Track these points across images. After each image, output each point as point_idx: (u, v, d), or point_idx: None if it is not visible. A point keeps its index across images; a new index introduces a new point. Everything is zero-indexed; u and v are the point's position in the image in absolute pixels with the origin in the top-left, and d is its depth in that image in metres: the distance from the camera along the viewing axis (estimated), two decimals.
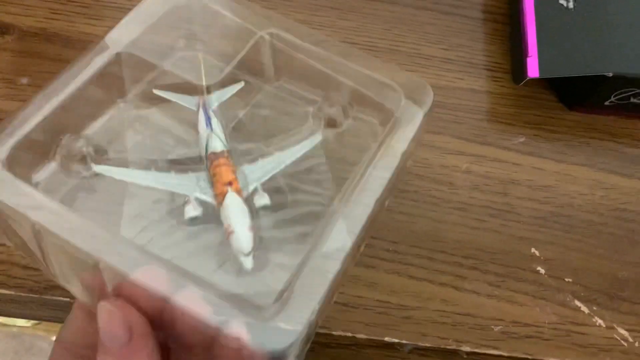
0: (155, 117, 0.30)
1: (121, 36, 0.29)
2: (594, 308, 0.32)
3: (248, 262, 0.25)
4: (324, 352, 0.32)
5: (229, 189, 0.26)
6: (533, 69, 0.34)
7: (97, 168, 0.27)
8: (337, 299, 0.31)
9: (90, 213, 0.26)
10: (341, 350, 0.31)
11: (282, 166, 0.29)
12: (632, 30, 0.34)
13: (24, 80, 0.35)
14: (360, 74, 0.31)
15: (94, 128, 0.29)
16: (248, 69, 0.31)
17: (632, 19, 0.34)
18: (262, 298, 0.23)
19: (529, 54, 0.34)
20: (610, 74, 0.33)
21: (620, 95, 0.35)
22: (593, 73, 0.33)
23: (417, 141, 0.29)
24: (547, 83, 0.38)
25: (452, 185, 0.34)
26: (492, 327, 0.31)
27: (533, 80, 0.35)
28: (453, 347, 0.31)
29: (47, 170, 0.27)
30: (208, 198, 0.27)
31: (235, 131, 0.31)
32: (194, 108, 0.30)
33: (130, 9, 0.33)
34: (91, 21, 0.38)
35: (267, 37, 0.31)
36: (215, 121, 0.29)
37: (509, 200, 0.34)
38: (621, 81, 0.33)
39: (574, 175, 0.35)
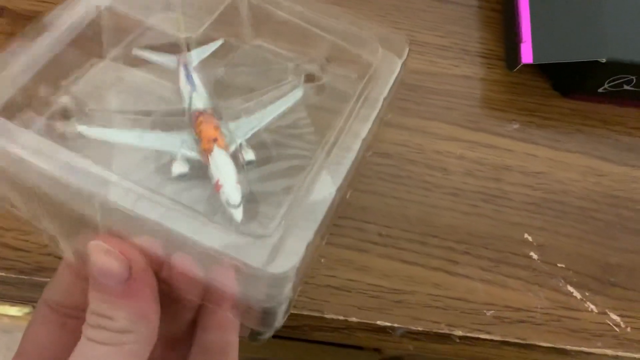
0: (136, 77, 0.30)
1: None
2: (586, 293, 0.32)
3: (238, 214, 0.26)
4: (316, 335, 0.31)
5: (215, 145, 0.27)
6: (527, 55, 0.34)
7: (81, 129, 0.27)
8: (329, 282, 0.31)
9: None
10: (333, 334, 0.31)
11: (266, 122, 0.29)
12: (626, 16, 0.34)
13: None
14: (337, 28, 0.31)
15: (72, 83, 0.29)
16: (226, 29, 0.31)
17: (625, 5, 0.34)
18: (254, 248, 0.23)
19: (523, 40, 0.34)
20: (604, 60, 0.33)
21: (614, 82, 0.35)
22: (586, 59, 0.33)
23: (396, 91, 0.30)
24: (541, 70, 0.38)
25: (445, 170, 0.34)
26: (485, 311, 0.31)
27: (527, 67, 0.35)
28: (445, 331, 0.31)
29: (27, 122, 0.26)
30: (194, 155, 0.27)
31: (216, 89, 0.30)
32: (175, 66, 0.30)
33: None
34: None
35: None
36: (197, 79, 0.29)
37: (502, 186, 0.34)
38: (615, 67, 0.33)
39: (566, 162, 0.36)
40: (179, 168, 0.27)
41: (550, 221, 0.34)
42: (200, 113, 0.28)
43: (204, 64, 0.30)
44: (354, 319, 0.30)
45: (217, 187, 0.26)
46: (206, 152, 0.27)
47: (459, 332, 0.31)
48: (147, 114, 0.29)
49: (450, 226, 0.33)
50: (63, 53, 0.27)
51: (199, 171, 0.27)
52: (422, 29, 0.38)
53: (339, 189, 0.25)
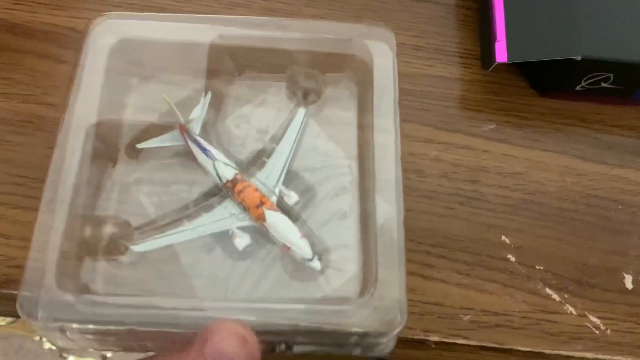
0: (154, 171, 0.30)
1: (84, 108, 0.29)
2: (565, 296, 0.32)
3: (316, 264, 0.27)
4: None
5: (264, 208, 0.27)
6: (501, 54, 0.34)
7: (137, 248, 0.27)
8: None
9: (157, 291, 0.27)
10: None
11: (290, 157, 0.30)
12: (601, 13, 0.33)
13: None
14: (316, 39, 0.31)
15: (106, 207, 0.29)
16: (209, 77, 0.31)
17: (600, 2, 0.33)
18: (345, 289, 0.27)
19: (497, 39, 0.34)
20: (579, 58, 0.32)
21: (591, 80, 0.34)
22: (561, 57, 0.32)
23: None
24: (519, 69, 0.37)
25: (420, 173, 0.34)
26: (461, 316, 0.31)
27: (504, 66, 0.35)
28: (421, 337, 0.30)
29: (92, 270, 0.27)
30: (247, 222, 0.28)
31: (229, 142, 0.31)
32: (181, 142, 0.30)
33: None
34: (54, 11, 0.37)
35: (215, 42, 0.31)
36: (210, 147, 0.29)
37: (479, 187, 0.34)
38: (590, 65, 0.33)
39: (544, 162, 0.35)
40: (242, 242, 0.28)
41: (528, 223, 0.33)
42: (234, 182, 0.28)
43: (205, 121, 0.30)
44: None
45: (285, 249, 0.27)
46: (259, 219, 0.27)
47: (435, 338, 0.30)
48: (186, 208, 0.29)
49: (425, 229, 0.32)
50: (80, 181, 0.28)
51: (259, 234, 0.28)
52: (396, 29, 0.37)
53: (397, 208, 0.27)
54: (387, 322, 0.25)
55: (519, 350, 0.30)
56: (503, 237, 0.33)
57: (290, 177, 0.30)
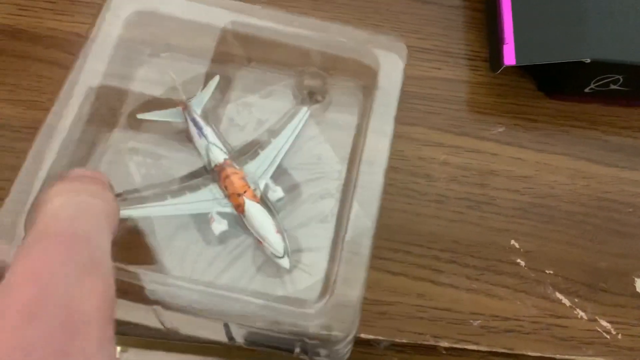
0: (149, 143, 0.30)
1: (91, 70, 0.29)
2: (576, 300, 0.31)
3: (285, 263, 0.27)
4: None
5: (245, 197, 0.27)
6: (509, 57, 0.33)
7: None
8: None
9: (126, 258, 0.26)
10: None
11: (283, 152, 0.30)
12: (609, 15, 0.33)
13: None
14: (329, 41, 0.31)
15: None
16: (219, 61, 0.31)
17: (608, 4, 0.33)
18: (307, 292, 0.27)
19: (506, 41, 0.34)
20: (588, 60, 0.32)
21: (600, 82, 0.34)
22: (570, 59, 0.32)
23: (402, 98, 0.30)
24: (527, 71, 0.37)
25: (429, 177, 0.34)
26: (471, 321, 0.30)
27: (512, 68, 0.34)
28: (431, 342, 0.30)
29: None
30: (228, 209, 0.28)
31: (228, 128, 0.31)
32: (181, 119, 0.30)
33: (97, 4, 0.33)
34: (59, 17, 0.37)
35: (229, 27, 0.31)
36: (207, 129, 0.29)
37: (488, 191, 0.34)
38: (600, 67, 0.32)
39: (554, 165, 0.35)
40: (219, 227, 0.27)
41: (538, 226, 0.33)
42: (222, 167, 0.28)
43: (208, 103, 0.30)
44: None
45: (257, 242, 0.27)
46: (238, 206, 0.27)
47: (445, 343, 0.30)
48: (172, 184, 0.29)
49: (435, 234, 0.32)
50: (73, 139, 0.27)
51: (238, 222, 0.28)
52: (403, 31, 0.38)
53: (373, 222, 0.27)
54: (334, 333, 0.25)
55: (529, 356, 0.30)
56: (512, 242, 0.32)
57: (280, 173, 0.29)
